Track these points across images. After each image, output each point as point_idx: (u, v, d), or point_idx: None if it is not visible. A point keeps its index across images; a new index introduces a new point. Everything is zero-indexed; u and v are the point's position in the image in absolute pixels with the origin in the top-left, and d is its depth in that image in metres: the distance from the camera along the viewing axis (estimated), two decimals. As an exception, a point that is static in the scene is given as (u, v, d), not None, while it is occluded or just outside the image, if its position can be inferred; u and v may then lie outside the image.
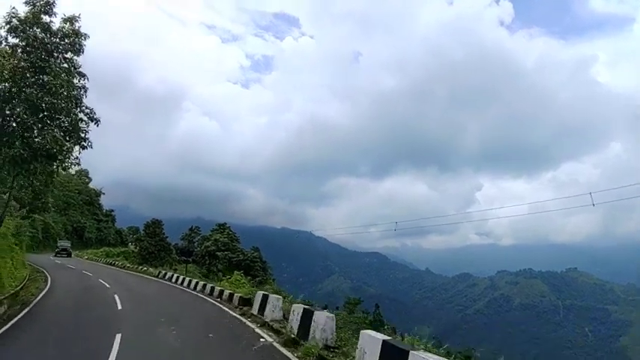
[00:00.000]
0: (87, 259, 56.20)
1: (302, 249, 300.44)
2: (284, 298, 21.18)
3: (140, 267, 36.27)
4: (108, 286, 23.87)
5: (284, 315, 13.97)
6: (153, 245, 68.58)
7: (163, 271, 31.97)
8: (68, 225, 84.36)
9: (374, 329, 11.95)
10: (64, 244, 62.46)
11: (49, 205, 47.66)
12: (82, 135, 19.87)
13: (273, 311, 13.95)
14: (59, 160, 18.77)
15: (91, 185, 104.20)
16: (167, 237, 74.47)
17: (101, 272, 34.52)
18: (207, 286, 23.38)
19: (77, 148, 20.15)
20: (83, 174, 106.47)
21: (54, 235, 75.68)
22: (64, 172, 26.78)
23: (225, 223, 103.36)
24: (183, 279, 27.34)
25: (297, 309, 11.71)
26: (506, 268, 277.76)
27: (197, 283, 25.20)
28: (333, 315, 10.75)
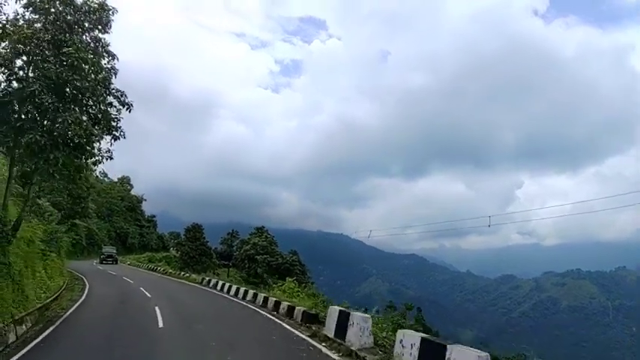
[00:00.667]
0: (129, 264, 54.57)
1: (338, 252, 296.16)
2: (323, 302, 17.92)
3: (182, 273, 33.48)
4: (149, 295, 20.92)
5: (375, 341, 10.14)
6: (194, 250, 66.70)
7: (207, 278, 28.80)
8: (112, 231, 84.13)
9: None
10: (110, 250, 57.04)
11: (90, 210, 46.29)
12: (113, 123, 16.79)
13: (360, 336, 10.12)
14: (86, 150, 15.66)
15: (132, 192, 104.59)
16: (208, 241, 72.60)
17: (142, 279, 31.95)
18: (258, 296, 19.94)
19: (108, 138, 17.08)
20: (125, 181, 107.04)
21: (98, 241, 75.24)
22: (95, 168, 24.04)
23: (263, 227, 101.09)
24: (230, 286, 24.08)
25: (411, 338, 7.83)
26: (552, 268, 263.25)
27: (246, 291, 21.84)
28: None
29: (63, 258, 31.55)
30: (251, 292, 20.83)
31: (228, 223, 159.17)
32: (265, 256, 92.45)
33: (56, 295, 21.70)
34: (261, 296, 19.58)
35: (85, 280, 29.01)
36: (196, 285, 28.22)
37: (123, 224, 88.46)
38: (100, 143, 16.20)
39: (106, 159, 17.99)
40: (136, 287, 24.88)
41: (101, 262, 51.29)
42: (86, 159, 16.73)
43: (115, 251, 57.04)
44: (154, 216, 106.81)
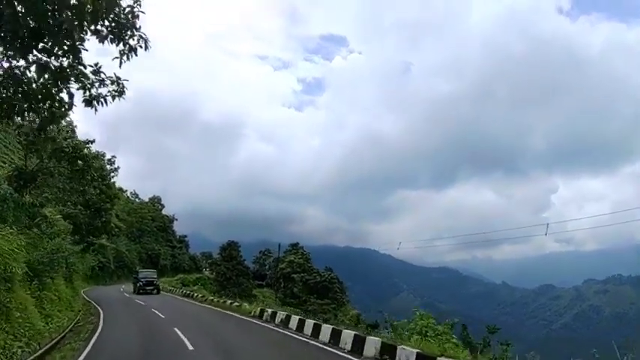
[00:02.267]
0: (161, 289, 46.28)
1: (367, 267, 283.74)
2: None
3: (229, 301, 24.96)
4: (190, 346, 12.70)
5: None
6: (230, 270, 58.94)
7: (268, 310, 19.62)
8: (142, 253, 77.28)
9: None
10: (149, 274, 41.17)
11: (112, 225, 39.08)
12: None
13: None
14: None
15: (163, 212, 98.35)
16: (244, 260, 64.90)
17: (177, 311, 23.89)
18: (370, 343, 11.37)
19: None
20: (156, 201, 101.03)
21: (128, 263, 68.28)
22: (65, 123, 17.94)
23: (298, 243, 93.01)
24: (316, 326, 14.67)
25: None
26: (593, 275, 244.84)
27: (359, 339, 12.12)
28: None
29: (76, 285, 24.05)
30: (372, 340, 11.59)
31: (256, 242, 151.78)
32: (302, 274, 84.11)
33: (51, 343, 13.82)
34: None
35: (102, 314, 21.16)
36: (255, 321, 19.29)
37: (154, 245, 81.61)
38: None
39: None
40: (169, 327, 16.65)
41: (138, 292, 37.09)
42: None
43: (155, 276, 41.40)
44: (186, 236, 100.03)
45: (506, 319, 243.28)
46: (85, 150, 21.84)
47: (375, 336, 12.39)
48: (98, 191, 27.53)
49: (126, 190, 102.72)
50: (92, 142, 22.08)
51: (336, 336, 12.97)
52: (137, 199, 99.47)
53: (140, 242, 78.85)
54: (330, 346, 12.80)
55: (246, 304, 21.61)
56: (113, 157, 30.89)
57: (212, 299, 27.36)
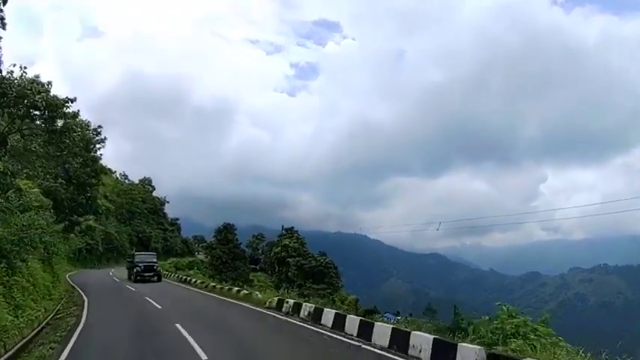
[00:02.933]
0: None
1: (357, 252, 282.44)
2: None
3: (236, 288, 21.07)
4: (203, 355, 9.13)
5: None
6: (226, 253, 55.53)
7: (289, 300, 15.55)
8: (133, 235, 73.29)
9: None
10: (147, 257, 34.38)
11: (99, 203, 35.16)
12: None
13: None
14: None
15: (154, 194, 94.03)
16: (240, 243, 61.49)
17: (175, 300, 20.37)
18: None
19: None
20: (147, 182, 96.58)
21: (118, 246, 64.39)
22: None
23: (293, 227, 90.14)
24: (365, 325, 11.06)
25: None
26: (579, 264, 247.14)
27: (441, 344, 8.81)
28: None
29: (57, 269, 20.37)
30: (467, 348, 7.99)
31: (248, 227, 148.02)
32: (298, 258, 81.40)
33: (27, 337, 10.35)
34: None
35: (86, 303, 17.63)
36: (274, 314, 15.35)
37: (145, 227, 77.55)
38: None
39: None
40: (170, 324, 13.16)
41: (135, 279, 30.29)
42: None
43: (155, 260, 34.36)
44: (178, 219, 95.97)
45: (494, 305, 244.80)
46: (64, 109, 17.88)
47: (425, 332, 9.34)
48: (81, 161, 23.59)
49: (115, 172, 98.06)
50: (72, 100, 18.07)
51: (401, 340, 9.62)
52: (127, 181, 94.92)
53: (130, 224, 74.77)
54: (393, 354, 9.47)
55: (256, 292, 18.07)
56: (99, 127, 26.86)
57: (214, 285, 23.72)
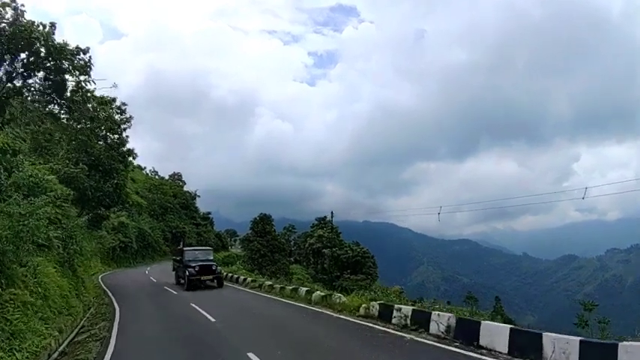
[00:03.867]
0: None
1: (386, 241, 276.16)
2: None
3: (304, 289, 15.56)
4: None
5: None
6: (265, 246, 51.46)
7: (405, 308, 10.35)
8: (167, 231, 70.31)
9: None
10: (202, 254, 25.42)
11: (127, 191, 31.18)
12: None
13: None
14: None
15: (185, 188, 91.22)
16: (279, 235, 57.38)
17: (230, 306, 15.61)
18: None
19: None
20: (177, 177, 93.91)
21: (152, 243, 61.33)
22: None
23: (326, 217, 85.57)
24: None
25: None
26: (616, 245, 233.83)
27: None
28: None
29: (80, 272, 16.25)
30: None
31: (277, 220, 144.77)
32: (334, 249, 77.00)
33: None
34: None
35: (117, 318, 13.32)
36: (386, 328, 10.26)
37: (178, 223, 74.51)
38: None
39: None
40: (235, 346, 8.46)
41: (188, 287, 21.56)
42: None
43: (212, 258, 25.64)
44: (210, 213, 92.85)
45: (529, 290, 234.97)
46: (74, 62, 13.37)
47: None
48: (104, 144, 19.52)
49: (144, 168, 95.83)
50: (84, 51, 13.59)
51: None
52: (157, 177, 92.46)
53: (164, 220, 71.81)
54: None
55: (339, 294, 13.11)
56: (124, 104, 22.61)
57: (270, 285, 18.92)
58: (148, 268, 40.28)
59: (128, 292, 20.49)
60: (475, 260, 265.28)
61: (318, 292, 14.00)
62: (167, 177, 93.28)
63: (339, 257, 74.10)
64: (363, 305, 11.42)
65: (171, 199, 78.04)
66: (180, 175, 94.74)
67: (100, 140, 21.40)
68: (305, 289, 15.41)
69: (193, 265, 21.92)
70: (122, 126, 22.13)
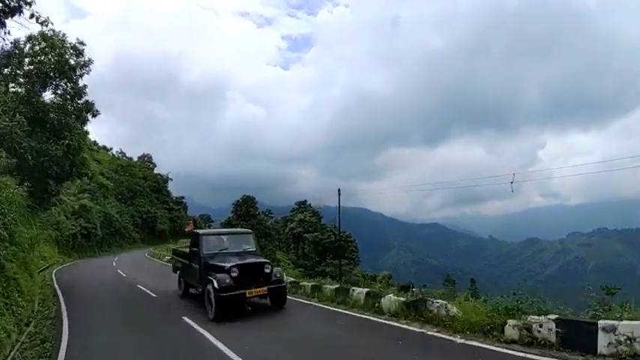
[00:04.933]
0: (169, 260, 32.11)
1: (359, 225, 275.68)
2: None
3: (311, 284, 11.06)
4: None
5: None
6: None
7: (538, 319, 6.07)
8: (136, 216, 63.18)
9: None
10: (237, 242, 12.03)
11: (86, 160, 24.83)
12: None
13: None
14: None
15: (156, 171, 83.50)
16: (264, 218, 52.02)
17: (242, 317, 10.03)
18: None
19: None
20: (147, 159, 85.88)
21: (120, 229, 54.32)
22: None
23: (306, 201, 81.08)
24: None
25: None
26: (578, 229, 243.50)
27: None
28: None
29: (8, 267, 10.50)
30: None
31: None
32: (316, 233, 72.80)
33: None
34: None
35: (64, 344, 7.88)
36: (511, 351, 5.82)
37: (149, 207, 67.39)
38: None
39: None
40: None
41: (219, 314, 9.62)
42: None
43: (254, 248, 12.23)
44: (183, 197, 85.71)
45: (494, 272, 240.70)
46: None
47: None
48: (54, 94, 13.75)
49: (111, 149, 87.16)
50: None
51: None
52: (124, 158, 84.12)
53: (133, 204, 64.51)
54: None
55: (442, 302, 7.96)
56: (81, 43, 16.56)
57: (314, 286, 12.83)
58: (116, 259, 34.00)
59: (86, 293, 14.81)
60: (444, 243, 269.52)
61: (392, 296, 8.80)
62: (136, 159, 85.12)
63: (320, 242, 70.06)
64: (510, 323, 6.47)
65: (141, 182, 70.57)
66: (151, 157, 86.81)
67: (49, 88, 15.36)
68: (361, 289, 10.17)
69: (226, 265, 10.39)
70: (78, 71, 16.08)
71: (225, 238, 12.31)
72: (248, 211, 47.02)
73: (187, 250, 13.55)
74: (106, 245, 47.32)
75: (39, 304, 13.49)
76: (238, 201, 47.79)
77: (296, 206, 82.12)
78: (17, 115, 13.08)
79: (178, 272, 14.33)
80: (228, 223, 49.27)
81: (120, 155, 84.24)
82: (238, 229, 20.61)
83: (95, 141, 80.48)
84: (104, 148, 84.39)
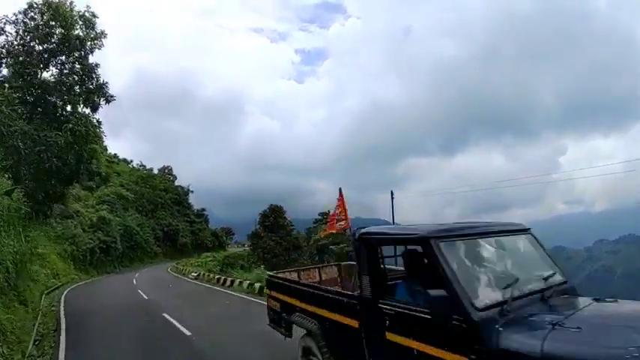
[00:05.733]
0: (196, 277, 27.77)
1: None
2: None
3: None
4: None
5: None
6: (278, 243, 42.24)
7: None
8: (158, 229, 60.13)
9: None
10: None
11: (98, 155, 21.40)
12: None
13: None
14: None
15: (177, 183, 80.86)
16: (294, 228, 48.32)
17: None
18: None
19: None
20: (167, 171, 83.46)
21: (141, 243, 51.18)
22: None
23: (329, 211, 76.63)
24: None
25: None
26: (604, 236, 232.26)
27: None
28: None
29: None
30: None
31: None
32: (342, 245, 68.29)
33: None
34: None
35: None
36: None
37: (170, 220, 64.38)
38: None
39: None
40: None
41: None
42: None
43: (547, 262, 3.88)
44: (204, 209, 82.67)
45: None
46: None
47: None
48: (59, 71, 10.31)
49: (131, 161, 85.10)
50: None
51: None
52: (144, 170, 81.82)
53: (154, 217, 61.59)
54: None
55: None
56: (93, 15, 13.14)
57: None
58: (137, 275, 30.41)
59: (100, 329, 11.04)
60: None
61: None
62: (156, 171, 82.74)
63: (347, 253, 65.94)
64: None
65: (162, 194, 67.77)
66: (171, 169, 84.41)
67: (52, 65, 11.95)
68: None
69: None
70: (88, 44, 12.60)
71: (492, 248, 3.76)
72: (277, 221, 43.26)
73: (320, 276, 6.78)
74: (126, 260, 44.06)
75: (34, 343, 9.78)
76: (265, 211, 44.09)
77: (319, 217, 78.02)
78: (6, 89, 9.54)
79: (273, 323, 6.31)
80: (255, 235, 45.51)
81: (140, 167, 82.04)
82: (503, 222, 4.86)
83: (115, 154, 78.61)
84: (124, 160, 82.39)
